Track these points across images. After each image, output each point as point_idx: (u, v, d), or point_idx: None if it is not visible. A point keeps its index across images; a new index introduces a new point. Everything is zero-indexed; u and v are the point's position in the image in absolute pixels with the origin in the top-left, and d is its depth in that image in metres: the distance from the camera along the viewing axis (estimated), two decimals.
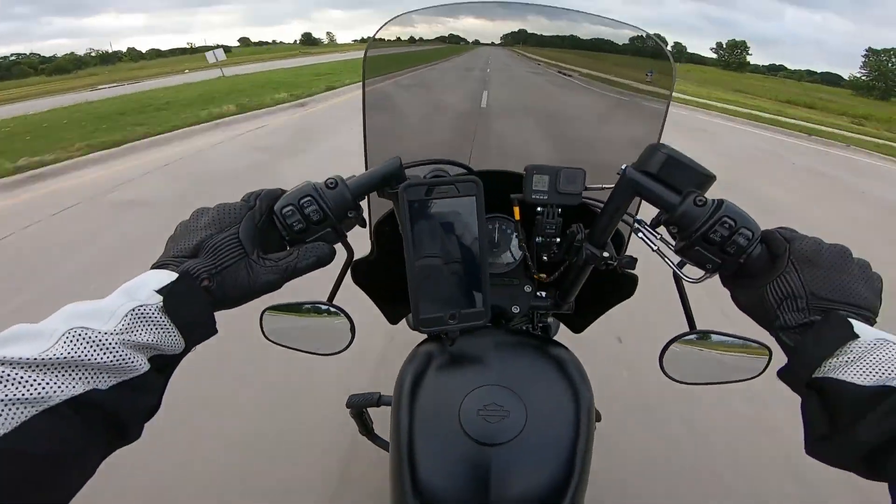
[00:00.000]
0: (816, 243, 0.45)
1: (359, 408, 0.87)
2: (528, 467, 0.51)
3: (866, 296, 0.42)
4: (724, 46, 79.87)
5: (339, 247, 0.54)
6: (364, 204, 0.56)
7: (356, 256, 0.64)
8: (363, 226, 0.56)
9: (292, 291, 0.54)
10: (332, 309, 0.63)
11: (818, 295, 0.42)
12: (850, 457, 0.36)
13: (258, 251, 0.46)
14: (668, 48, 0.76)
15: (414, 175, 0.59)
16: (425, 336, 0.67)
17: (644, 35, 0.81)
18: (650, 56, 0.82)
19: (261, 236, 0.48)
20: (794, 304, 0.43)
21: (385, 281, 0.76)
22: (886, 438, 0.33)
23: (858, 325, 0.39)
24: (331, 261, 0.51)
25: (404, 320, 0.97)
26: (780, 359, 0.45)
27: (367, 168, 0.73)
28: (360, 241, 0.67)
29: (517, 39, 0.93)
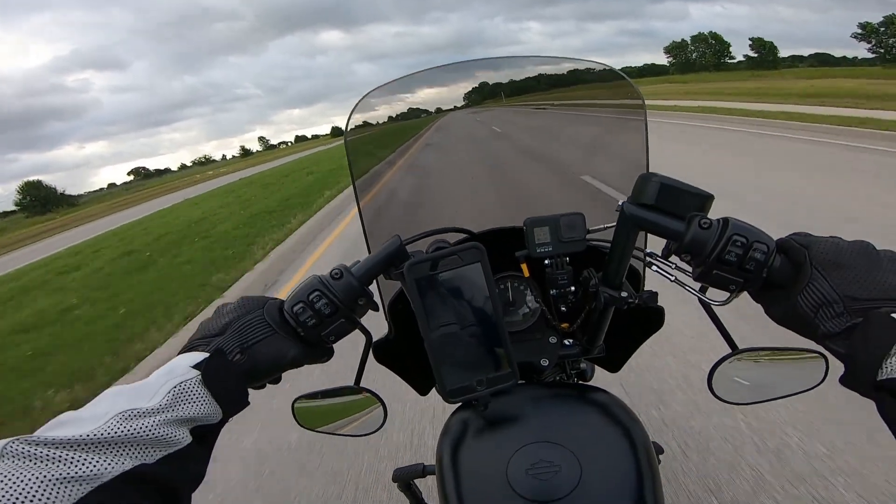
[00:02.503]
0: (835, 244, 0.43)
1: (405, 480, 0.85)
2: None
3: None
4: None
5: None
6: (374, 288, 0.56)
7: (375, 337, 0.65)
8: (375, 309, 0.56)
9: (320, 380, 0.49)
10: (361, 391, 0.64)
11: (853, 297, 0.40)
12: None
13: (283, 329, 0.50)
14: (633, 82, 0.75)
15: (416, 251, 0.59)
16: (457, 406, 0.65)
17: (603, 68, 0.83)
18: (614, 86, 0.85)
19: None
20: (831, 311, 0.41)
21: (408, 356, 0.75)
22: None
23: None
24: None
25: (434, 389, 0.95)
26: (835, 363, 0.42)
27: (369, 249, 0.74)
28: (378, 320, 0.68)
29: (489, 95, 0.96)
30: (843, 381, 0.40)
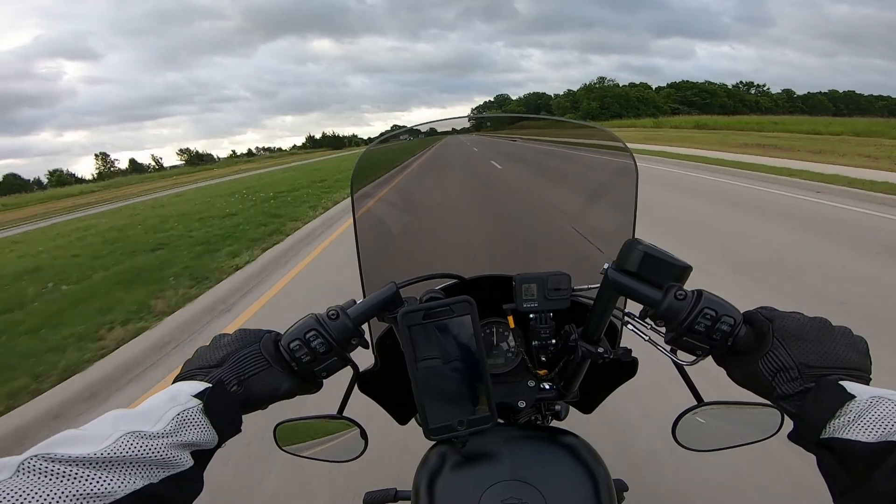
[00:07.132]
0: (797, 319, 0.48)
1: None
2: None
3: (853, 358, 0.45)
4: None
5: None
6: (365, 325, 0.59)
7: (361, 367, 0.67)
8: (366, 347, 0.59)
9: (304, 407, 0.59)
10: (344, 420, 0.66)
11: (808, 364, 0.45)
12: None
13: (278, 363, 0.53)
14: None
15: (410, 297, 0.63)
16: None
17: (601, 130, 0.90)
18: (610, 148, 0.91)
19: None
20: (787, 376, 0.45)
21: (391, 387, 0.78)
22: None
23: (851, 386, 0.41)
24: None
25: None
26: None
27: (363, 287, 0.78)
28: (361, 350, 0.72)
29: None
30: (791, 436, 0.44)
